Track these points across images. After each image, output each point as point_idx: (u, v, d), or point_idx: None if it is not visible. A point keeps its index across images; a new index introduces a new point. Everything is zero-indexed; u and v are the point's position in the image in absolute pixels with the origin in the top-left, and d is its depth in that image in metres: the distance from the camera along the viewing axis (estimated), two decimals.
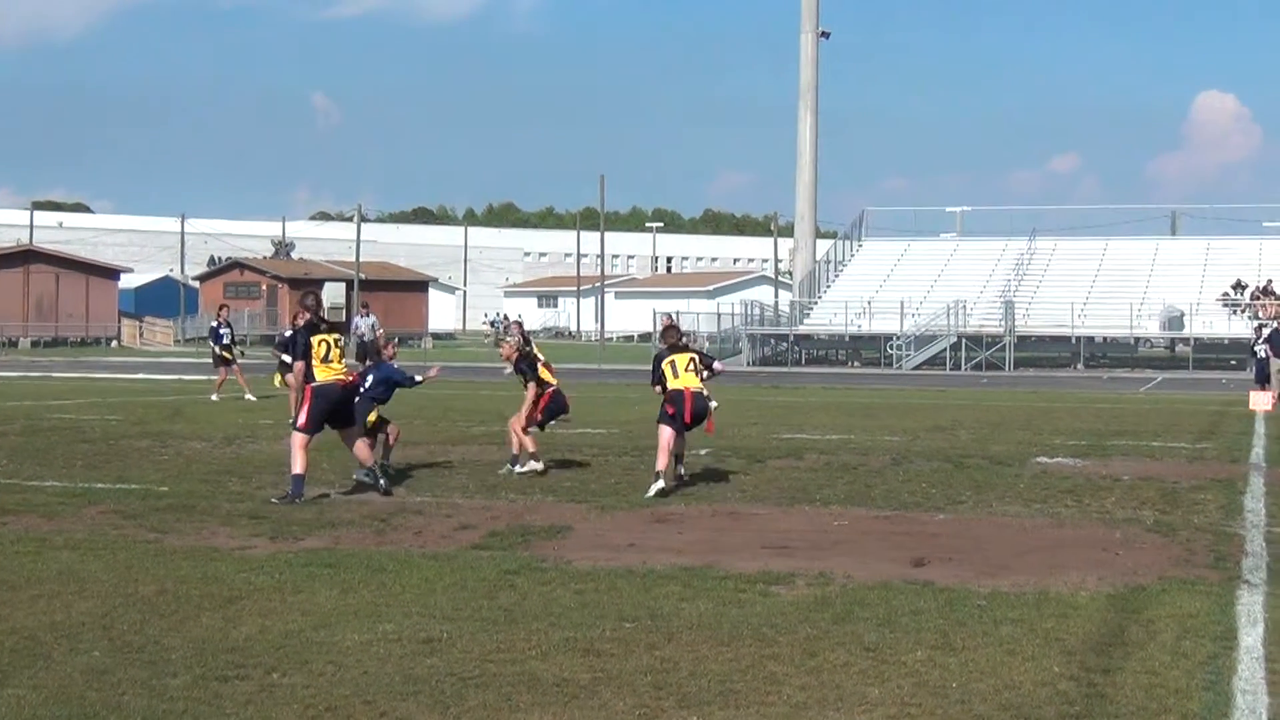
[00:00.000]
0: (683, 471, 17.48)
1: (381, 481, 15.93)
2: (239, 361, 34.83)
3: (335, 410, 15.85)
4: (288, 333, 27.91)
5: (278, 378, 28.02)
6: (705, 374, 17.60)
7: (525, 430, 18.25)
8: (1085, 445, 22.94)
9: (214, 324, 35.69)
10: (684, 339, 18.33)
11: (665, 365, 17.24)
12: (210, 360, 36.02)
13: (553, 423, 18.99)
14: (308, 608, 9.95)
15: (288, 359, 27.35)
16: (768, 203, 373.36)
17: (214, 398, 32.89)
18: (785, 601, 10.28)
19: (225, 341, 34.31)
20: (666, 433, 16.77)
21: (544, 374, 18.56)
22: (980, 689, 7.93)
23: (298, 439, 15.61)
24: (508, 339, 19.00)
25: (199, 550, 12.26)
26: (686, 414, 16.95)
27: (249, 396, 33.02)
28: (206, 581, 10.86)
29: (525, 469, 18.01)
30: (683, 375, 17.14)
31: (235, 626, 9.34)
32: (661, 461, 16.59)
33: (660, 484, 16.29)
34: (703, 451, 20.52)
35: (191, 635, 9.08)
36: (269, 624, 9.41)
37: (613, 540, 13.07)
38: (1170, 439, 24.56)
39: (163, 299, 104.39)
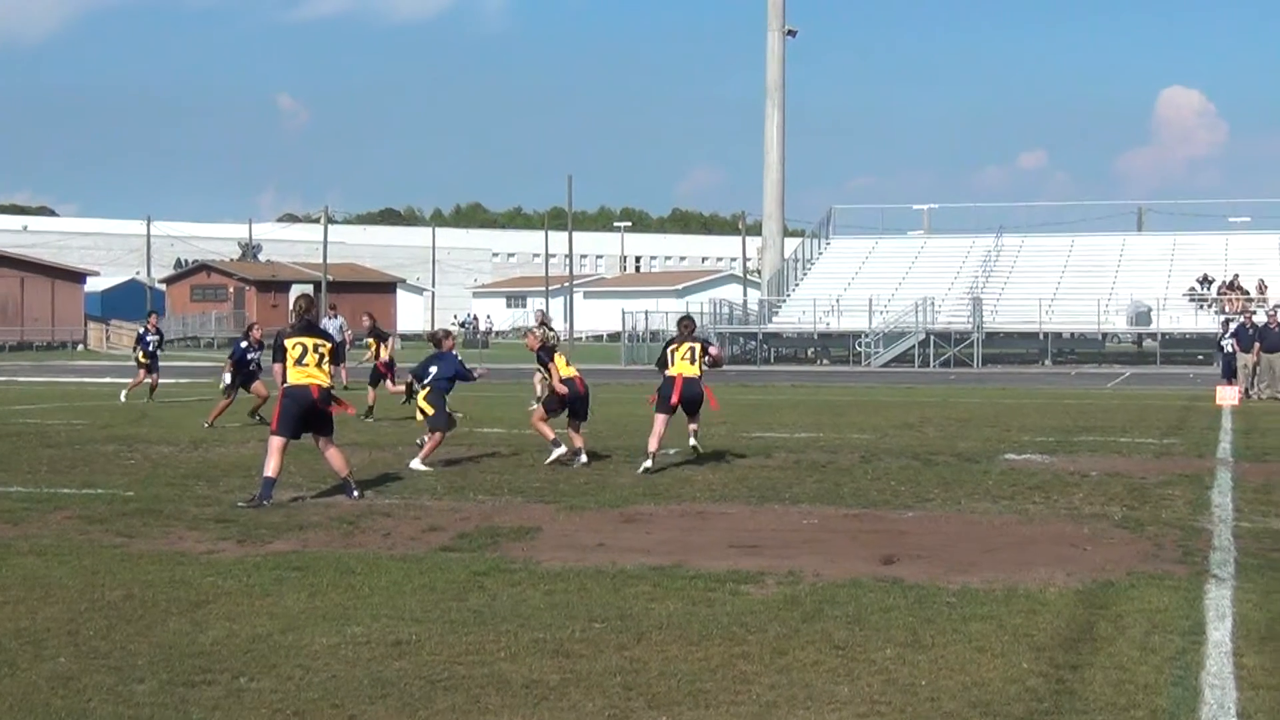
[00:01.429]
0: (693, 443, 19.78)
1: (355, 492, 15.84)
2: (158, 368, 35.07)
3: (309, 414, 15.70)
4: (244, 344, 27.77)
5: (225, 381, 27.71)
6: (708, 360, 19.53)
7: (544, 420, 19.55)
8: (1053, 441, 22.99)
9: (141, 330, 36.18)
10: (694, 332, 20.00)
11: (671, 351, 19.53)
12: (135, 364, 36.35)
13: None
14: (275, 611, 9.90)
15: (228, 376, 27.24)
16: (736, 202, 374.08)
17: (126, 398, 33.40)
18: (754, 600, 10.28)
19: (151, 349, 34.58)
20: (660, 419, 18.97)
21: (561, 366, 19.84)
22: (949, 686, 7.93)
23: (274, 442, 15.52)
24: (534, 330, 20.96)
25: (166, 555, 12.20)
26: (675, 396, 19.14)
27: (122, 397, 33.50)
28: (173, 586, 10.80)
29: (551, 458, 19.11)
30: (678, 363, 19.30)
31: (202, 631, 9.29)
32: (653, 444, 18.70)
33: (648, 463, 18.41)
34: (672, 451, 20.52)
35: (158, 640, 9.03)
36: (236, 628, 9.37)
37: (582, 541, 13.05)
38: (1138, 434, 24.64)
39: (129, 302, 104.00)
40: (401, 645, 8.87)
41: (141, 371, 34.38)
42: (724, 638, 9.04)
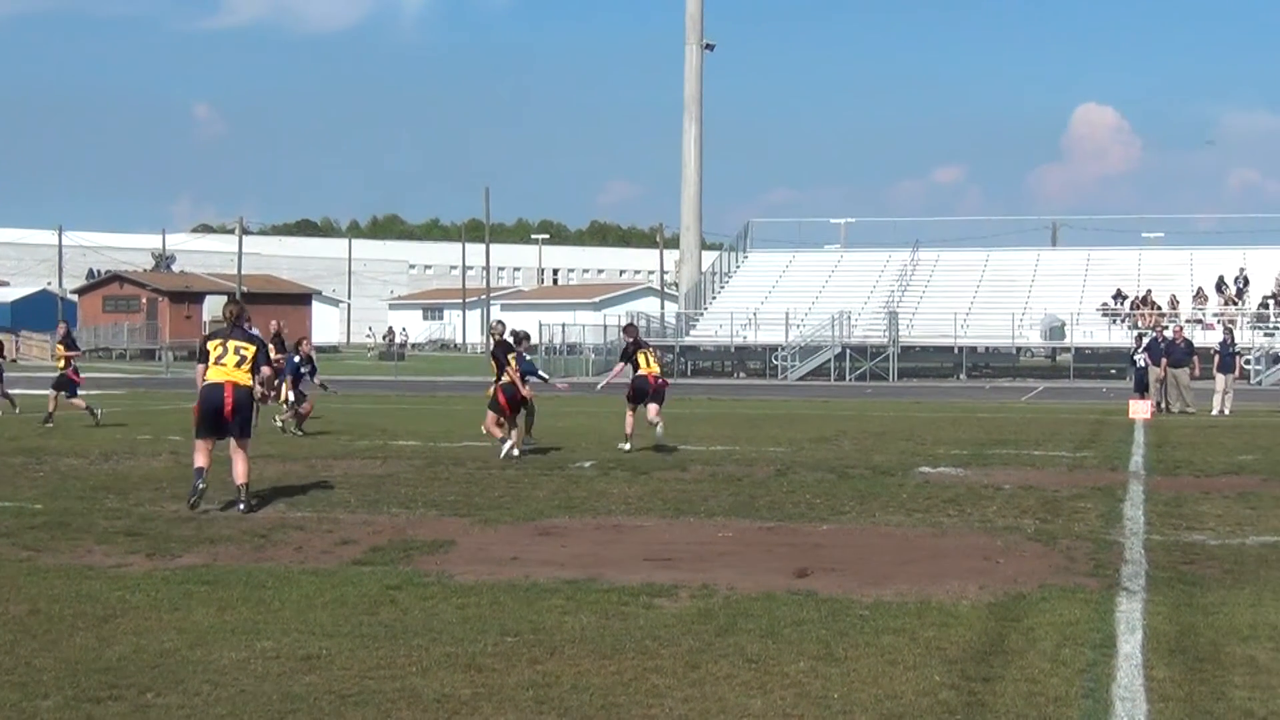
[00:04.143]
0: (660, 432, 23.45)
1: (242, 506, 15.64)
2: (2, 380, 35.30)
3: (225, 413, 15.52)
4: (295, 358, 28.18)
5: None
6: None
7: (498, 423, 22.18)
8: (967, 455, 23.13)
9: None
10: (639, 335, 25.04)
11: (640, 355, 24.02)
12: None
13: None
14: (184, 626, 9.77)
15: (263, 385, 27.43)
16: (654, 214, 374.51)
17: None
18: (668, 614, 10.25)
19: None
20: (630, 413, 23.75)
21: (510, 369, 22.43)
22: (862, 699, 7.93)
23: (195, 444, 15.53)
24: (493, 326, 24.46)
25: (73, 569, 12.02)
26: (651, 388, 23.62)
27: None
28: (80, 600, 10.65)
29: (503, 453, 21.46)
30: (652, 364, 23.96)
31: (109, 646, 9.15)
32: (628, 427, 23.63)
33: (625, 445, 23.30)
34: (586, 464, 20.47)
35: (64, 655, 8.89)
36: (144, 643, 9.23)
37: (496, 554, 12.98)
38: (1051, 448, 24.84)
39: (40, 313, 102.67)
40: (311, 660, 8.77)
41: None
42: (637, 651, 9.01)
